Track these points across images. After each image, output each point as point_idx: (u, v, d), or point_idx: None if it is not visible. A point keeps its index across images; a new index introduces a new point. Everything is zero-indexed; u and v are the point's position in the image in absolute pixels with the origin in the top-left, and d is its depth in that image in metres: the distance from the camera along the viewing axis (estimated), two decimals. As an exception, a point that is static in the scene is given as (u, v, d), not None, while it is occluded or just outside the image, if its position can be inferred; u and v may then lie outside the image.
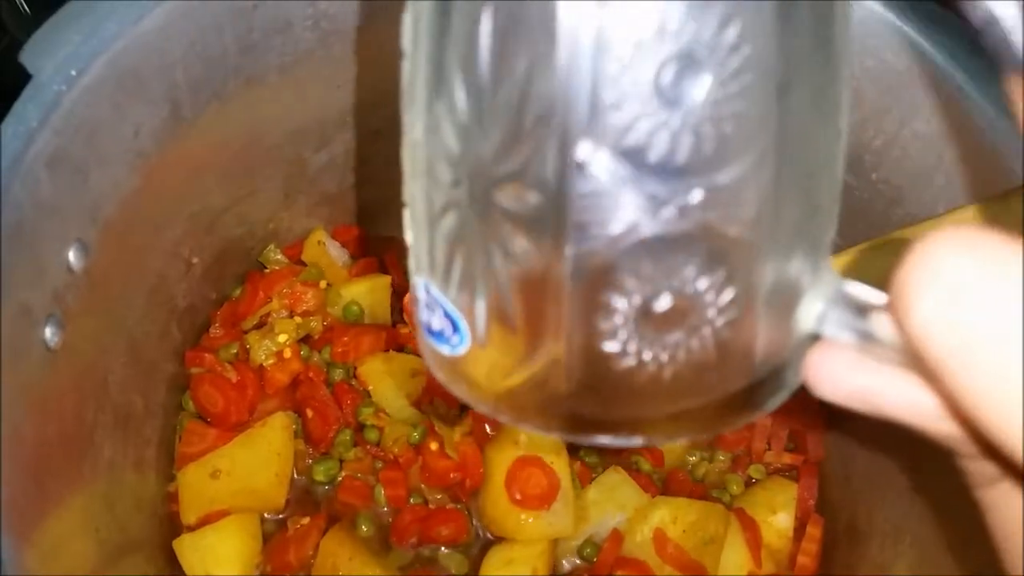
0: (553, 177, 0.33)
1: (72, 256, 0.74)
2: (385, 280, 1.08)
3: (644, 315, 0.35)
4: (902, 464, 0.91)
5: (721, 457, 1.08)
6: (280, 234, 1.07)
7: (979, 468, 0.37)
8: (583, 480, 1.00)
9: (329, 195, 1.08)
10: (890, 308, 0.31)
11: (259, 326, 1.02)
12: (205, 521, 0.94)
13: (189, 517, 0.95)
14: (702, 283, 0.34)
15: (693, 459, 1.07)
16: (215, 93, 0.83)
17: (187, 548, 0.92)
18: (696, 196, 0.33)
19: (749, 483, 1.06)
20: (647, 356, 0.36)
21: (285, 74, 0.87)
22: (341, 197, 1.09)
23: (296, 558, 0.95)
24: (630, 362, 0.36)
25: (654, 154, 0.32)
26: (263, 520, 0.97)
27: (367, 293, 1.07)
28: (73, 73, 0.70)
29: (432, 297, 0.39)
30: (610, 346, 0.36)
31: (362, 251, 1.14)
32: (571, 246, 0.34)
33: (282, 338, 0.99)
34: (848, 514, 1.00)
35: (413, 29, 0.36)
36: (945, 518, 0.82)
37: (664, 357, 0.36)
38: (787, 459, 1.07)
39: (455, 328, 0.39)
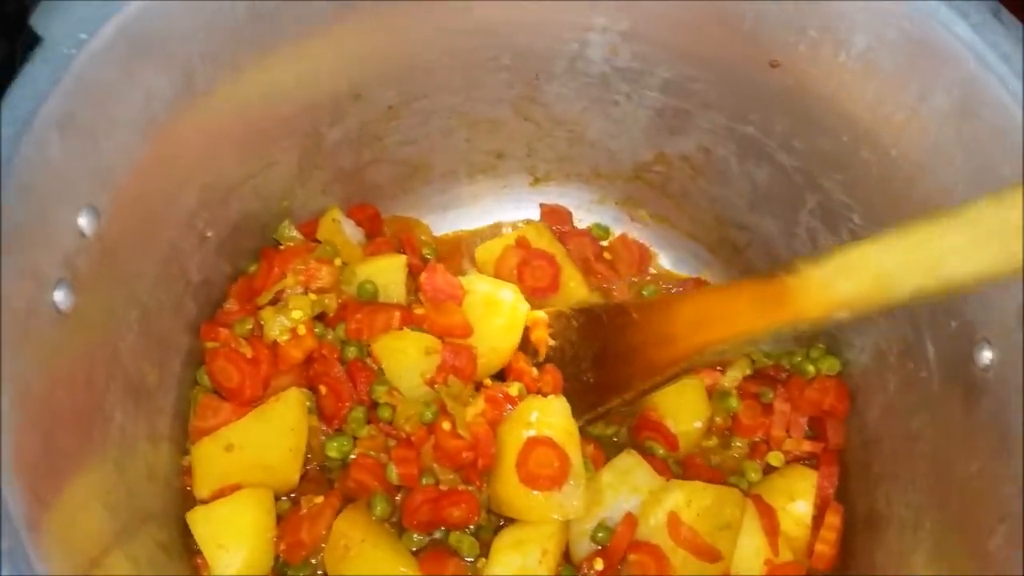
0: None
1: (83, 220, 0.74)
2: (400, 260, 1.07)
3: None
4: (924, 451, 0.88)
5: (738, 443, 1.06)
6: (295, 211, 1.07)
7: None
8: (597, 463, 0.99)
9: (345, 172, 1.08)
10: None
11: (274, 302, 1.01)
12: (218, 495, 0.94)
13: (202, 491, 0.95)
14: None
15: (709, 444, 1.05)
16: (229, 62, 0.83)
17: (200, 521, 0.92)
18: None
19: (769, 470, 1.04)
20: None
21: (299, 45, 0.87)
22: (357, 175, 1.09)
23: (309, 537, 0.95)
24: None
25: None
26: (276, 499, 0.96)
27: (382, 272, 1.06)
28: (83, 36, 0.71)
29: None
30: None
31: (378, 231, 1.14)
32: None
33: (296, 314, 0.99)
34: (867, 502, 0.97)
35: None
36: (965, 506, 0.80)
37: None
38: (807, 447, 1.05)
39: None
